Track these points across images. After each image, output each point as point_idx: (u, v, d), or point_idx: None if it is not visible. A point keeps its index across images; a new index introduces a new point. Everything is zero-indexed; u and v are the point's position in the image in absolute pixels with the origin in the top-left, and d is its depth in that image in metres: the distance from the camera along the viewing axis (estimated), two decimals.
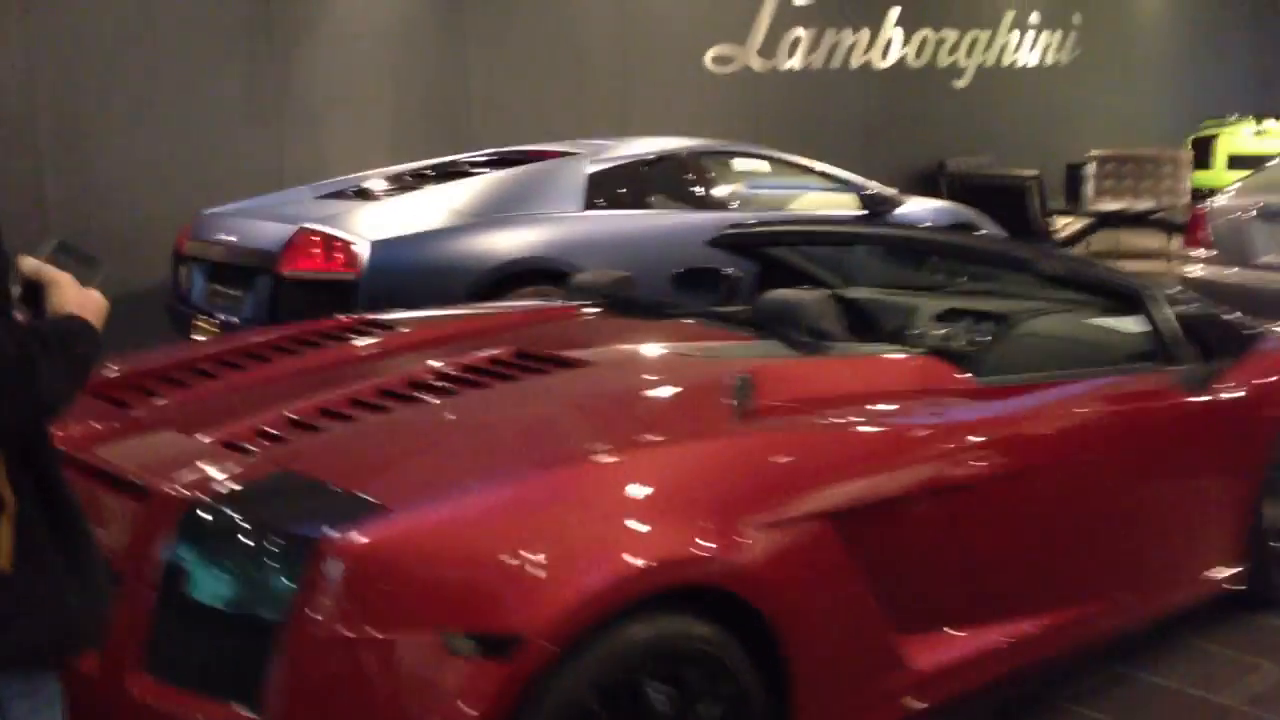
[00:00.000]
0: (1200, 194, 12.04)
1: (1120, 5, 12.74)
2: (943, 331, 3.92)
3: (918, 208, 7.16)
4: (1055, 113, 12.23)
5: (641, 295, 3.80)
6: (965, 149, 11.39)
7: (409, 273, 5.21)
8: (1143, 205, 10.33)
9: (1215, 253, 6.84)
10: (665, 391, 2.77)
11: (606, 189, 6.02)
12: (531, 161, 6.20)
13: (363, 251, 5.15)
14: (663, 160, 6.38)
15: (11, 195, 6.57)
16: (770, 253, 4.59)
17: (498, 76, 8.35)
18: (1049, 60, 12.12)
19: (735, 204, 6.57)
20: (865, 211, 6.82)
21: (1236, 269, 6.48)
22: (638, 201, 6.15)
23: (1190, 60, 13.46)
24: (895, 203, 6.99)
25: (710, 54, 9.46)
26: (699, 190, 6.43)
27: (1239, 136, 12.27)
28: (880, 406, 2.88)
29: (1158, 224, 9.87)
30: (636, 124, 8.99)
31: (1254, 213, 6.48)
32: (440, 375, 2.82)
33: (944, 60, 11.22)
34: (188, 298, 5.84)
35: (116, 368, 3.12)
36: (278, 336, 3.35)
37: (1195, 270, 7.00)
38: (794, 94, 10.03)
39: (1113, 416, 3.24)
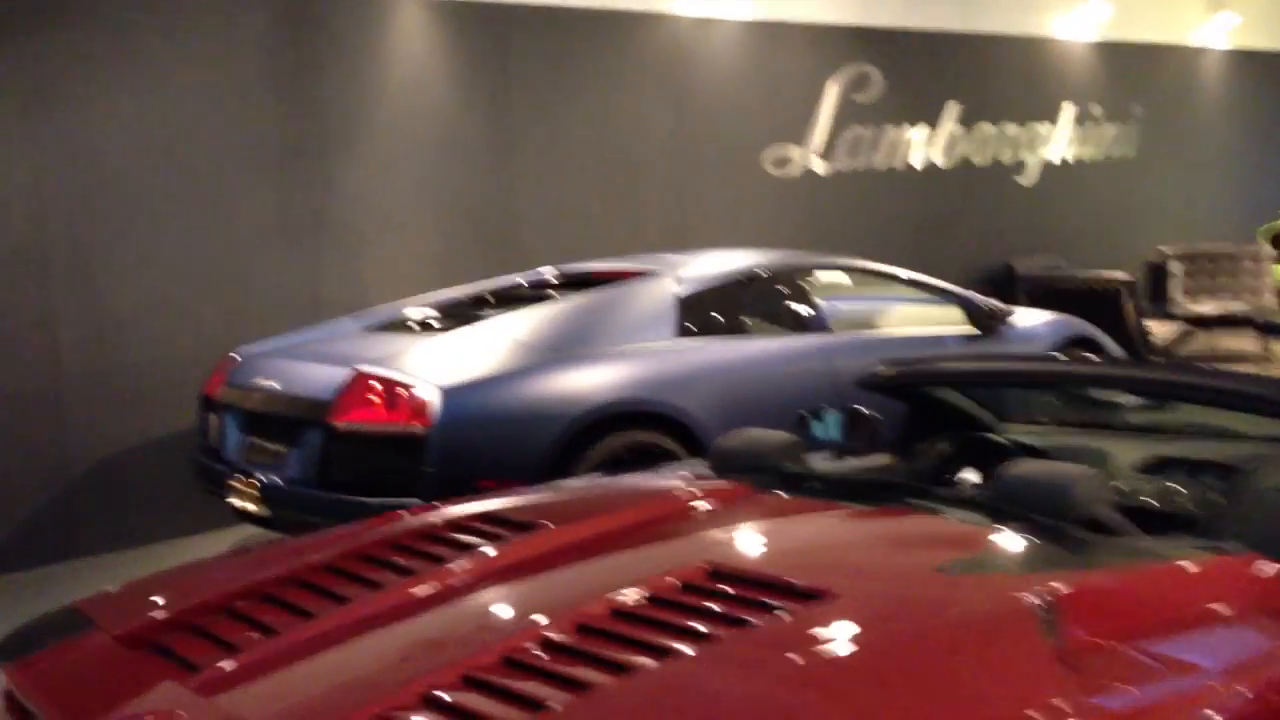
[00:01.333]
0: None
1: (1180, 95, 12.18)
2: (1163, 488, 3.17)
3: (1030, 321, 6.42)
4: (1121, 208, 11.59)
5: (818, 468, 3.02)
6: (1029, 247, 10.72)
7: (487, 423, 4.42)
8: (1237, 306, 9.61)
9: None
10: (952, 633, 1.95)
11: (698, 313, 5.25)
12: (602, 283, 5.45)
13: (432, 399, 4.36)
14: (755, 278, 5.62)
15: (20, 332, 5.80)
16: (928, 392, 3.82)
17: (547, 189, 7.67)
18: (1115, 154, 11.51)
19: (837, 324, 5.81)
20: (976, 330, 6.09)
21: None
22: (734, 326, 5.38)
23: (1251, 150, 12.88)
24: (1005, 315, 6.25)
25: (768, 156, 8.83)
26: (799, 309, 5.67)
27: None
28: (1225, 636, 2.09)
29: (1254, 325, 9.13)
30: (694, 231, 8.31)
31: None
32: (622, 615, 2.02)
33: (1007, 156, 10.60)
34: (219, 452, 5.04)
35: (163, 600, 2.33)
36: (366, 544, 2.55)
37: None
38: (855, 194, 9.37)
39: None
